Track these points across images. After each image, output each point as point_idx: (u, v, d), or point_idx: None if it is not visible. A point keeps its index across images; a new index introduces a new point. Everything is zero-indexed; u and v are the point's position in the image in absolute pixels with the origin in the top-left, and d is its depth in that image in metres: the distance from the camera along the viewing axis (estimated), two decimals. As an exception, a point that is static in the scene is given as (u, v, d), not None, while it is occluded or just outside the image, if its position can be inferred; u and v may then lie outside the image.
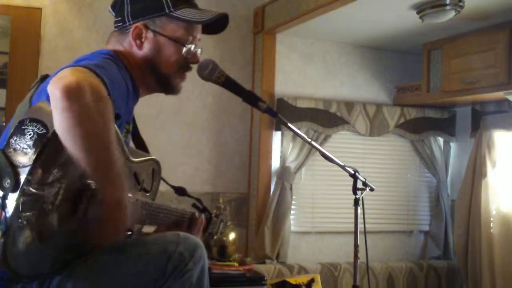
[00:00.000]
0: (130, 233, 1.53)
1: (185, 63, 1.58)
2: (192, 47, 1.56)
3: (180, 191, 1.85)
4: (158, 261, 1.41)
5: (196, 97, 3.68)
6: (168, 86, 1.59)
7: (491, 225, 3.64)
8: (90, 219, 1.26)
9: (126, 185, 1.29)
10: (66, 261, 1.30)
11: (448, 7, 3.05)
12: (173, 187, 1.82)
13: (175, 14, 1.51)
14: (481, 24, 3.39)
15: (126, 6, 1.53)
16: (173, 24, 1.52)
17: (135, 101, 1.57)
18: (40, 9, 3.33)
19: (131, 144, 1.71)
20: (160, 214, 1.65)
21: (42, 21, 3.33)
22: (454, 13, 3.10)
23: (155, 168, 1.64)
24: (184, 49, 1.54)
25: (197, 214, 1.80)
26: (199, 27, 1.59)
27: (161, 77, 1.56)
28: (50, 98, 1.17)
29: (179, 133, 3.66)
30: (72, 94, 1.14)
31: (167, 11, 1.51)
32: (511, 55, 3.18)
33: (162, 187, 1.81)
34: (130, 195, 1.37)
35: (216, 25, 1.61)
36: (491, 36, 3.30)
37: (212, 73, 1.57)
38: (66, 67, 1.24)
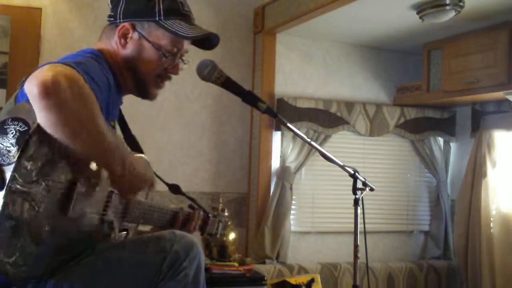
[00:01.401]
0: (125, 232, 1.53)
1: (164, 72, 1.59)
2: (175, 59, 1.57)
3: (174, 188, 1.85)
4: (154, 260, 1.41)
5: (196, 97, 3.68)
6: (143, 91, 1.60)
7: (491, 225, 3.64)
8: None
9: (124, 154, 1.36)
10: (60, 263, 1.30)
11: (448, 7, 3.05)
12: (167, 184, 1.82)
13: (164, 24, 1.52)
14: (481, 24, 3.39)
15: (121, 3, 1.55)
16: (159, 32, 1.53)
17: (119, 99, 1.58)
18: (40, 9, 3.33)
19: None
20: (154, 214, 1.66)
21: (42, 21, 3.33)
22: (454, 13, 3.10)
23: None
24: (164, 59, 1.55)
25: (191, 210, 1.80)
26: (186, 40, 1.60)
27: (138, 80, 1.57)
28: (29, 96, 1.18)
29: (179, 133, 3.66)
30: (49, 90, 1.15)
31: (157, 18, 1.53)
32: (511, 55, 3.18)
33: (160, 186, 1.81)
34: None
35: (206, 41, 1.62)
36: (491, 36, 3.30)
37: (211, 74, 1.56)
38: (44, 64, 1.25)
